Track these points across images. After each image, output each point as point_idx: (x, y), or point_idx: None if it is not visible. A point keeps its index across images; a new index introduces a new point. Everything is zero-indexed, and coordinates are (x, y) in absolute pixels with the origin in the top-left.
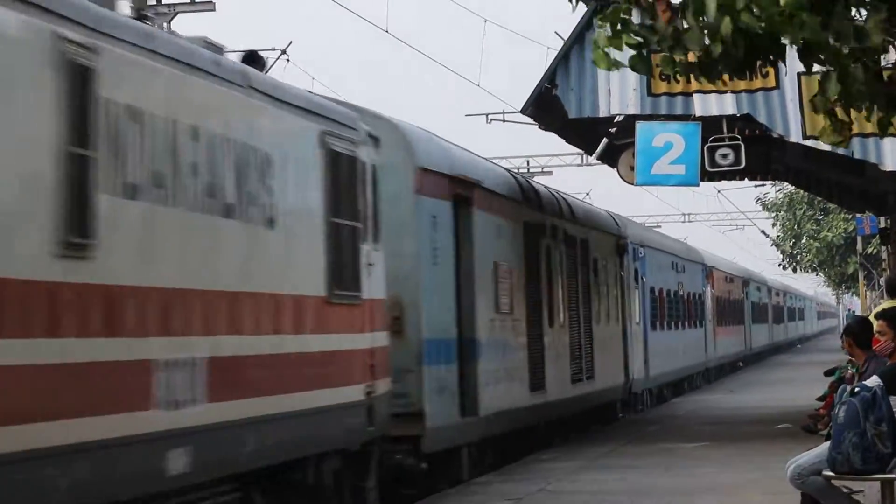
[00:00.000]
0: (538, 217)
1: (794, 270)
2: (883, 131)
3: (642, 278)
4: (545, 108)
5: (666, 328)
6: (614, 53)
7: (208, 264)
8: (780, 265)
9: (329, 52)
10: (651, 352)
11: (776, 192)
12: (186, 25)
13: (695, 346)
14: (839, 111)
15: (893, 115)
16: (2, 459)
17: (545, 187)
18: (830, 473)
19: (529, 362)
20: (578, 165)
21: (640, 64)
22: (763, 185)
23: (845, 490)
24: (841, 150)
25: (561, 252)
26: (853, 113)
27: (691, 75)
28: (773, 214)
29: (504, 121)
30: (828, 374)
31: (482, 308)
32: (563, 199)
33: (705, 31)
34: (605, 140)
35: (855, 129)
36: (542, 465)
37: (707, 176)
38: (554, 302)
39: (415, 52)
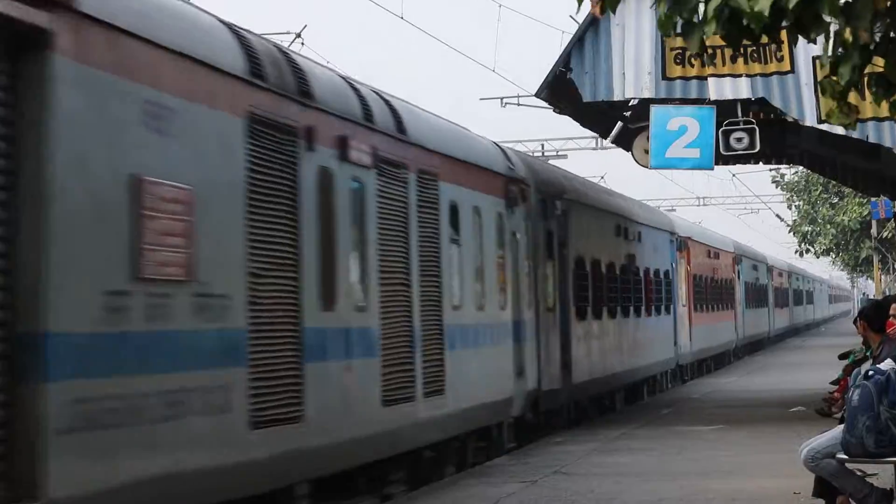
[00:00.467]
0: (291, 112)
1: (802, 255)
2: None
3: (560, 246)
4: (560, 91)
5: (606, 316)
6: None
7: None
8: (796, 251)
9: (344, 37)
10: (577, 351)
11: (792, 174)
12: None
13: (657, 340)
14: (853, 96)
15: None
16: None
17: (346, 78)
18: (844, 456)
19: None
20: (593, 149)
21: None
22: (777, 168)
23: (859, 473)
24: (855, 134)
25: (364, 187)
26: (868, 96)
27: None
28: (788, 196)
29: (519, 104)
30: (842, 357)
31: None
32: (377, 97)
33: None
34: (619, 124)
35: (870, 114)
36: (554, 448)
37: (722, 160)
38: (335, 271)
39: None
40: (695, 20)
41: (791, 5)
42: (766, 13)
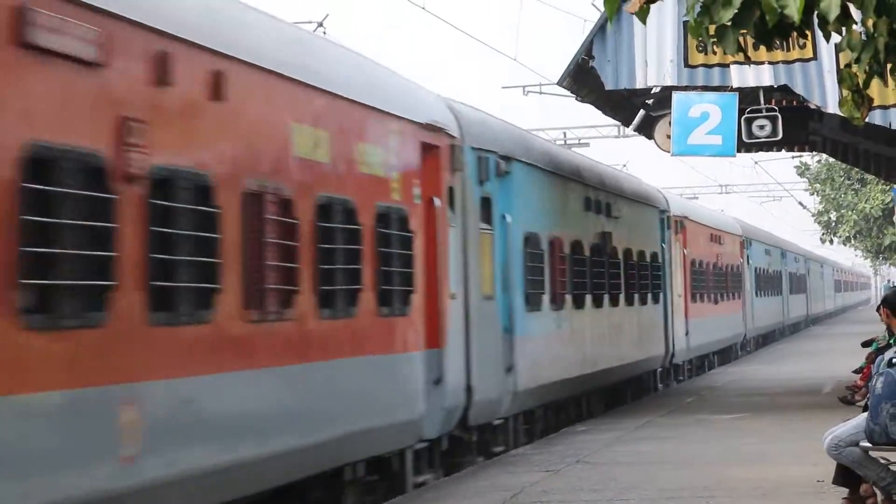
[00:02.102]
0: None
1: (832, 242)
2: None
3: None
4: (582, 79)
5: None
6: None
7: None
8: (821, 240)
9: (366, 26)
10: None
11: (815, 162)
12: None
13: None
14: (875, 83)
15: None
16: None
17: None
18: (868, 444)
19: None
20: (615, 137)
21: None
22: (800, 155)
23: (882, 461)
24: (878, 121)
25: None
26: (891, 83)
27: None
28: (812, 185)
29: (541, 93)
30: (865, 345)
31: None
32: None
33: None
34: (641, 112)
35: (892, 101)
36: (577, 437)
37: (744, 147)
38: None
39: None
40: (726, 23)
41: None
42: (797, 16)
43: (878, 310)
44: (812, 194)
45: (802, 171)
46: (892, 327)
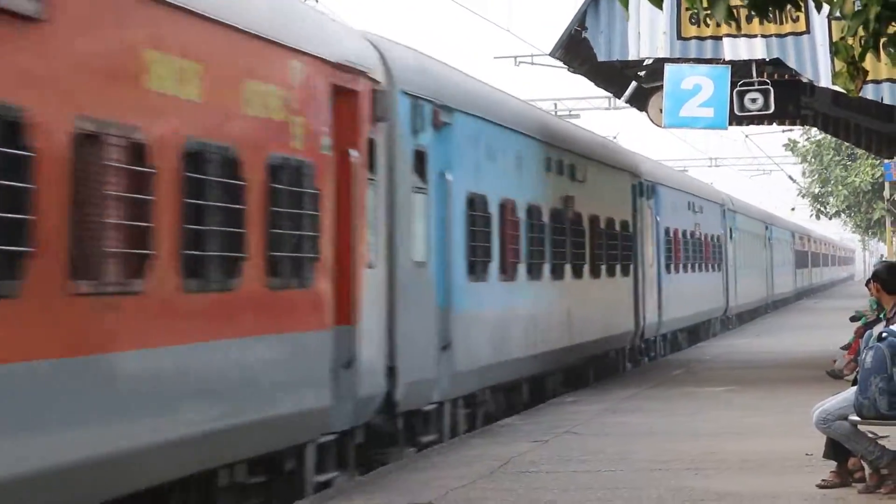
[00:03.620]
0: None
1: (818, 217)
2: None
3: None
4: (574, 51)
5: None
6: None
7: None
8: (810, 216)
9: None
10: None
11: (804, 139)
12: None
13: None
14: (869, 58)
15: None
16: None
17: None
18: (856, 418)
19: None
20: (606, 109)
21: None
22: (791, 130)
23: (871, 435)
24: (870, 96)
25: None
26: (883, 58)
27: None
28: (801, 162)
29: (533, 63)
30: (853, 319)
31: None
32: None
33: None
34: (633, 83)
35: (885, 75)
36: (566, 409)
37: (735, 120)
38: None
39: None
40: None
41: None
42: None
43: (867, 284)
44: (803, 174)
45: (791, 147)
46: (883, 302)
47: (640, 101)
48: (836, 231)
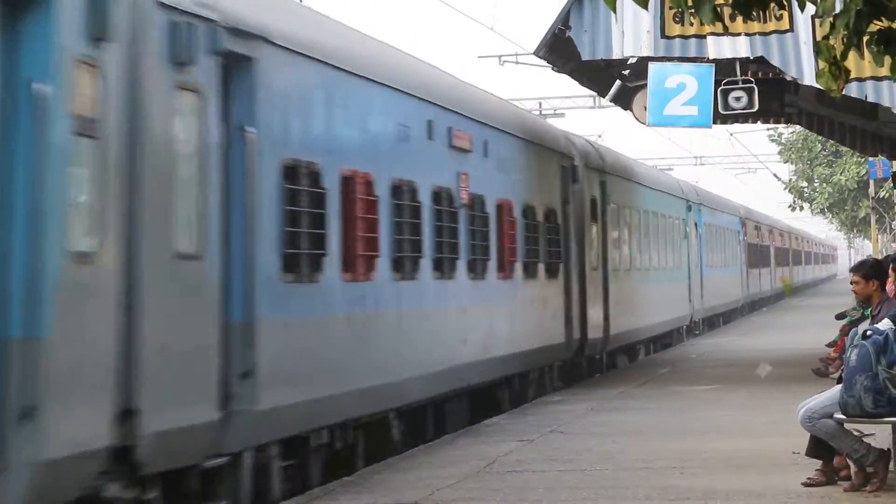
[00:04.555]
0: None
1: (801, 209)
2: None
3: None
4: (558, 49)
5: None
6: None
7: None
8: (789, 206)
9: None
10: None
11: (789, 132)
12: None
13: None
14: (852, 55)
15: None
16: None
17: None
18: (842, 416)
19: None
20: (591, 108)
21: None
22: (776, 127)
23: (856, 433)
24: (854, 94)
25: None
26: (867, 56)
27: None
28: (786, 154)
29: (517, 63)
30: (839, 317)
31: None
32: None
33: None
34: (618, 82)
35: (868, 73)
36: (552, 408)
37: (720, 119)
38: None
39: None
40: None
41: None
42: None
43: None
44: (786, 162)
45: (775, 139)
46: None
47: (624, 99)
48: (822, 229)
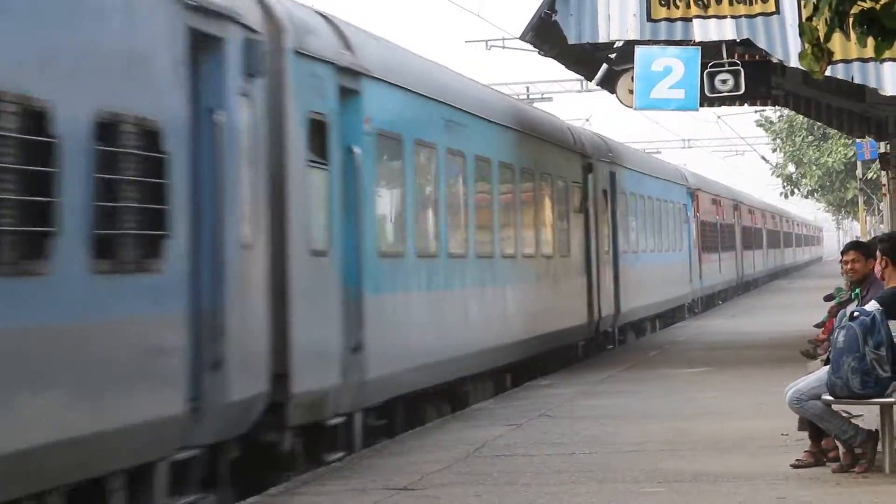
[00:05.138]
0: None
1: (787, 197)
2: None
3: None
4: (545, 34)
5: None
6: None
7: None
8: (781, 194)
9: None
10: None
11: (777, 117)
12: None
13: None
14: (837, 37)
15: (892, 40)
16: None
17: None
18: (829, 398)
19: None
20: (578, 91)
21: None
22: (763, 109)
23: (844, 414)
24: (840, 75)
25: None
26: (853, 37)
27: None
28: (773, 139)
29: (504, 47)
30: (827, 299)
31: None
32: None
33: None
34: (604, 66)
35: (854, 55)
36: (540, 392)
37: (706, 101)
38: None
39: None
40: None
41: None
42: None
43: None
44: (774, 150)
45: (763, 124)
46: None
47: (611, 83)
48: (810, 211)
